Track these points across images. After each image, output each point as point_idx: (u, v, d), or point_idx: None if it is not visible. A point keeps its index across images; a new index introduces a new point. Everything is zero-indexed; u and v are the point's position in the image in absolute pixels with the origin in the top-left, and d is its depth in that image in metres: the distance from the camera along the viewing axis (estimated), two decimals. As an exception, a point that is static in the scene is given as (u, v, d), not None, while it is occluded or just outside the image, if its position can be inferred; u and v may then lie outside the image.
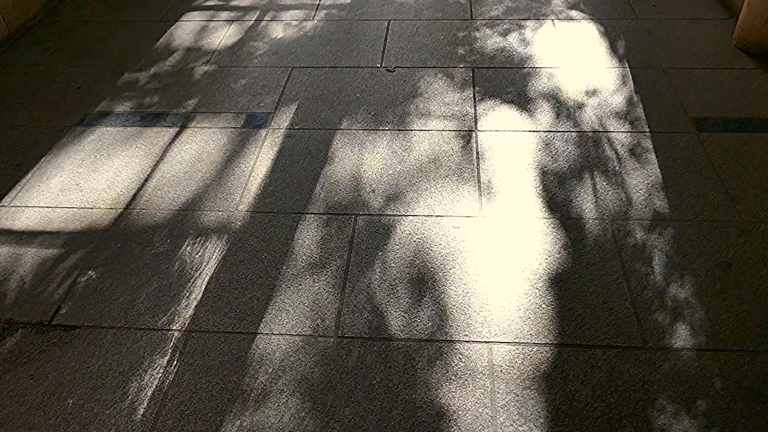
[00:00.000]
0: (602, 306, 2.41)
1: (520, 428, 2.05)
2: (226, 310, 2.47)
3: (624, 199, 2.85)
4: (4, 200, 3.03)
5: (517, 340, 2.30)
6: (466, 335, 2.33)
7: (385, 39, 4.13)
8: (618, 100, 3.45)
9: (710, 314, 2.36)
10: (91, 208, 2.95)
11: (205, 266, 2.64)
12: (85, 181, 3.11)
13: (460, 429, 2.06)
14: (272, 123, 3.42)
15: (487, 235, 2.71)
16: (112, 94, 3.73)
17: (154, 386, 2.22)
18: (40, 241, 2.80)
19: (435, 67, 3.82)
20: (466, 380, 2.18)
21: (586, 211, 2.80)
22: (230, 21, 4.43)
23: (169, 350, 2.33)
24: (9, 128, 3.50)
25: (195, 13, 4.57)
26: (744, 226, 2.70)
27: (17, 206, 2.98)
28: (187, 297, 2.52)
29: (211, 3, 4.69)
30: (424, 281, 2.53)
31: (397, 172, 3.05)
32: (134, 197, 3.00)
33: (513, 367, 2.22)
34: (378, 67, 3.86)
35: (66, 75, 3.93)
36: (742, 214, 2.75)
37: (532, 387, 2.16)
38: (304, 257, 2.66)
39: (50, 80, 3.89)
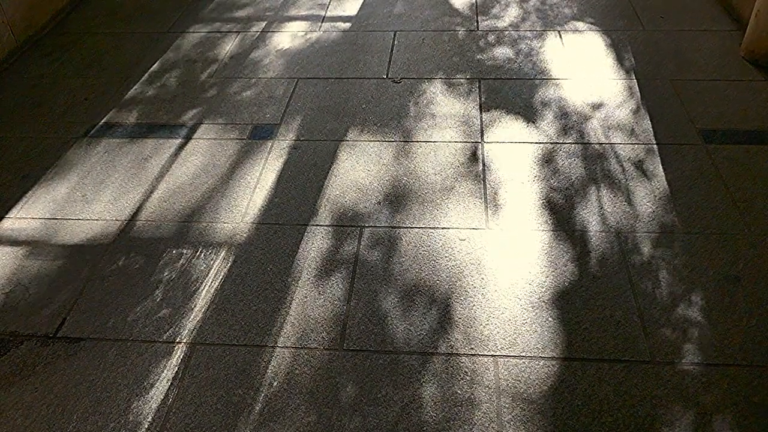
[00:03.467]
0: (609, 320, 2.39)
1: (526, 444, 2.04)
2: (231, 323, 2.46)
3: (631, 212, 2.83)
4: (10, 211, 3.03)
5: (523, 354, 2.28)
6: (472, 348, 2.31)
7: (391, 50, 4.14)
8: (625, 112, 3.44)
9: (719, 328, 2.34)
10: (96, 219, 2.96)
11: (210, 278, 2.64)
12: (91, 192, 3.12)
13: (466, 444, 2.04)
14: (278, 134, 3.43)
15: (493, 248, 2.70)
16: (118, 106, 3.74)
17: (159, 399, 2.21)
18: (45, 252, 2.80)
19: (441, 78, 3.82)
20: (472, 394, 2.17)
21: (593, 223, 2.79)
22: (236, 32, 4.45)
23: (174, 363, 2.32)
24: (16, 139, 3.51)
25: (201, 24, 4.60)
26: (753, 239, 2.67)
27: (24, 217, 2.99)
28: (192, 309, 2.52)
29: (218, 15, 4.71)
30: (429, 294, 2.52)
31: (403, 184, 3.05)
32: (140, 209, 3.00)
33: (519, 381, 2.20)
34: (384, 78, 3.86)
35: (73, 86, 3.95)
36: (751, 227, 2.73)
37: (539, 401, 2.14)
38: (309, 269, 2.65)
39: (57, 92, 3.91)
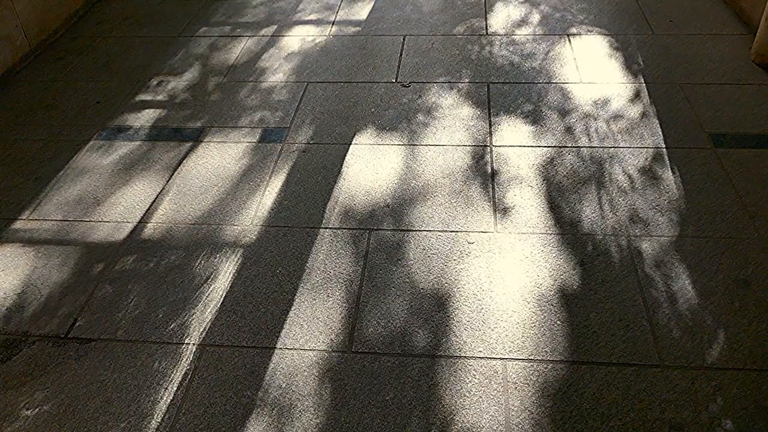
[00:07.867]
0: (618, 323, 2.39)
1: (534, 447, 2.03)
2: (241, 325, 2.47)
3: (640, 215, 2.83)
4: (22, 213, 3.06)
5: (531, 357, 2.28)
6: (481, 351, 2.31)
7: (401, 54, 4.15)
8: (634, 116, 3.43)
9: (728, 333, 2.33)
10: (107, 221, 2.98)
11: (220, 280, 2.65)
12: (102, 194, 3.14)
13: (474, 447, 2.04)
14: (287, 137, 3.44)
15: (502, 251, 2.70)
16: (129, 109, 3.77)
17: (169, 400, 2.22)
18: (57, 254, 2.83)
19: (450, 82, 3.83)
20: (481, 397, 2.17)
21: (602, 226, 2.79)
22: (246, 36, 4.48)
23: (184, 364, 2.34)
24: (29, 142, 3.55)
25: (212, 28, 4.63)
26: (763, 243, 2.66)
27: (35, 219, 3.02)
28: (202, 311, 2.53)
29: (227, 19, 4.74)
30: (438, 296, 2.53)
31: (412, 187, 3.05)
32: (150, 211, 3.02)
33: (528, 384, 2.20)
34: (393, 82, 3.87)
35: (85, 90, 3.99)
36: (761, 231, 2.72)
37: (547, 405, 2.14)
38: (318, 272, 2.66)
39: (69, 95, 3.94)
